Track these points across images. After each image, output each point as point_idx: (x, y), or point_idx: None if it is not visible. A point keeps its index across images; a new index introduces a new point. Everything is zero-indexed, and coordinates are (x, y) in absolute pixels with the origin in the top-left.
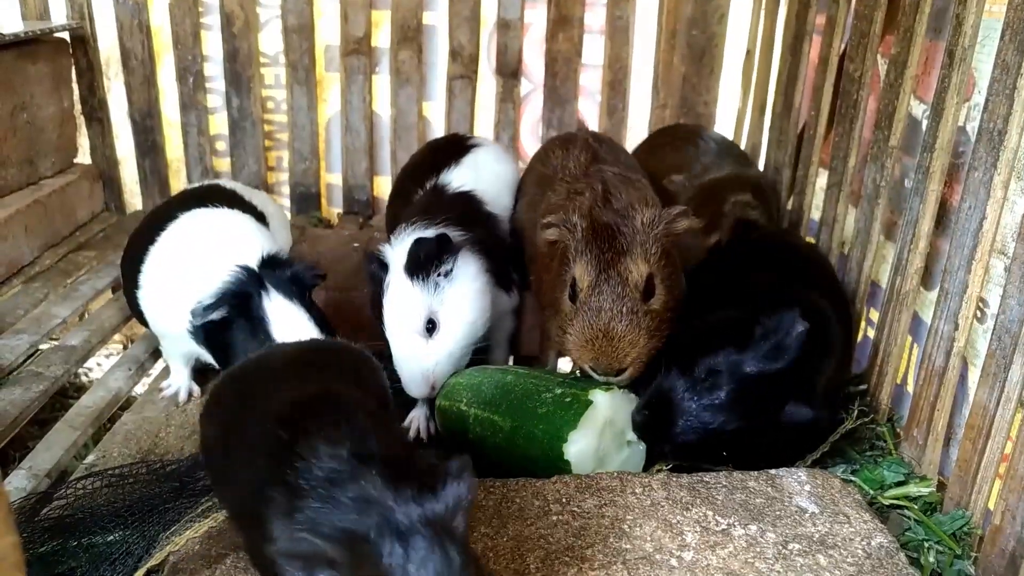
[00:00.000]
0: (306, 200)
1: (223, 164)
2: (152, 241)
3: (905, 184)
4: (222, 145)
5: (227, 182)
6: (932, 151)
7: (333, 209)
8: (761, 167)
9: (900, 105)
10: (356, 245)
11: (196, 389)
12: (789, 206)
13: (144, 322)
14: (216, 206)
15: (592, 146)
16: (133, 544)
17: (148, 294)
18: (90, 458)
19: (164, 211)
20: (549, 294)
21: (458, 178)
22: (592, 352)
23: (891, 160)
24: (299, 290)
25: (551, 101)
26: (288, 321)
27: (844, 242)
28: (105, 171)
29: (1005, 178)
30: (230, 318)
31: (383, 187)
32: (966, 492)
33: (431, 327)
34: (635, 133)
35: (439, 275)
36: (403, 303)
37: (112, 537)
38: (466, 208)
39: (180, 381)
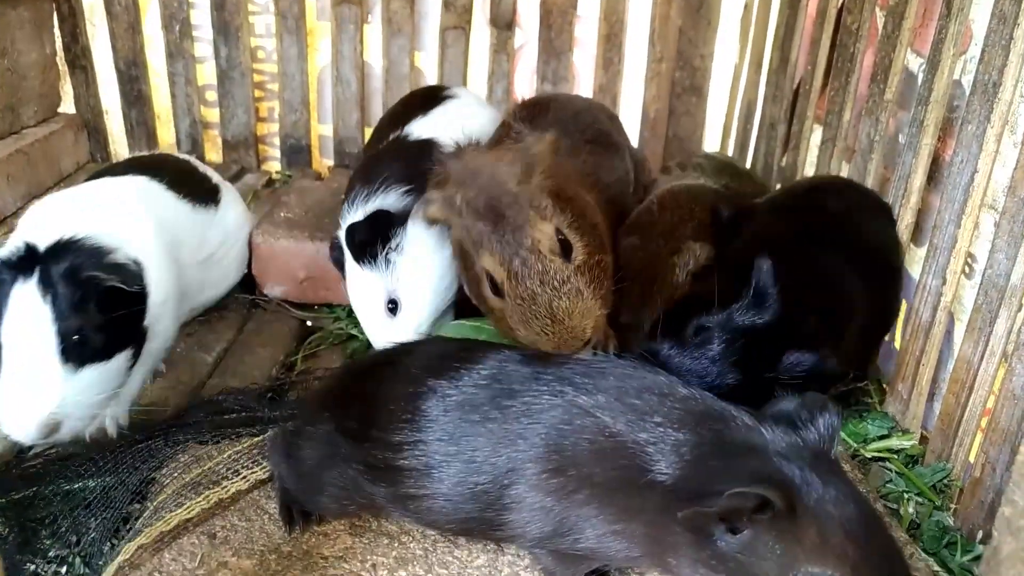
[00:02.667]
0: (296, 152)
1: (212, 115)
2: None
3: (899, 139)
4: (211, 95)
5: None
6: (927, 104)
7: (324, 161)
8: (756, 123)
9: (896, 58)
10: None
11: None
12: (783, 162)
13: None
14: (124, 174)
15: (508, 124)
16: (112, 491)
17: None
18: None
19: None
20: (473, 291)
21: (420, 128)
22: (550, 340)
23: (886, 114)
24: (74, 291)
25: (546, 53)
26: (20, 318)
27: None
28: (90, 121)
29: (998, 131)
30: None
31: None
32: (948, 445)
33: (393, 307)
34: (631, 87)
35: (389, 252)
36: (359, 291)
37: (90, 483)
38: (420, 157)
39: None
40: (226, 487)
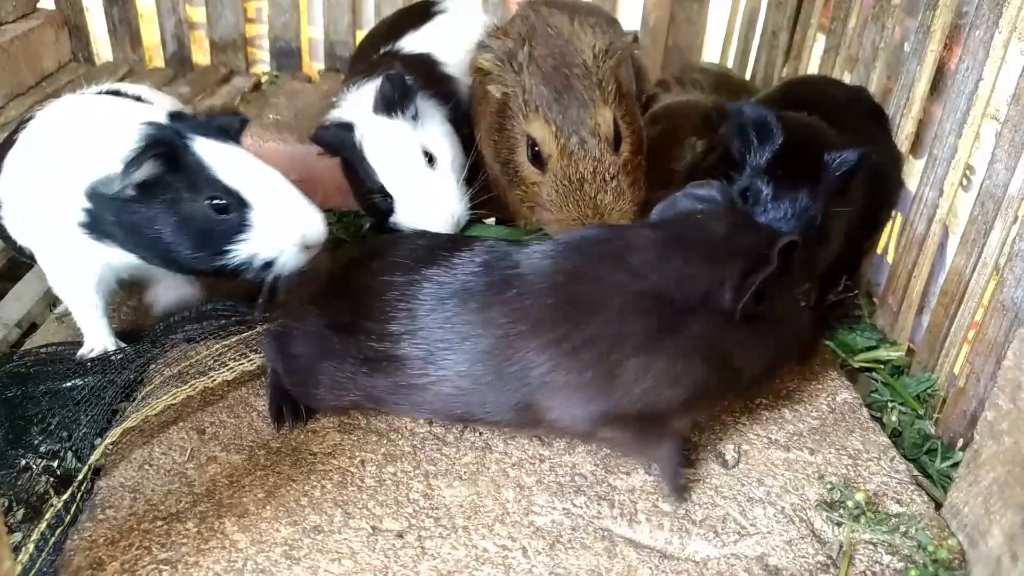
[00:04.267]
0: (286, 56)
1: (198, 15)
2: (9, 144)
3: (904, 48)
4: None
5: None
6: (935, 9)
7: (314, 65)
8: (758, 30)
9: None
10: (334, 100)
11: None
12: (784, 72)
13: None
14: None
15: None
16: (102, 389)
17: (12, 200)
18: (60, 308)
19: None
20: (501, 154)
21: (412, 43)
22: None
23: (892, 20)
24: (230, 139)
25: None
26: (233, 162)
27: None
28: (71, 18)
29: (1006, 37)
30: (156, 180)
31: None
32: (934, 357)
33: (430, 159)
34: None
35: (411, 114)
36: (397, 138)
37: (78, 382)
38: (418, 68)
39: (100, 339)
40: (212, 377)
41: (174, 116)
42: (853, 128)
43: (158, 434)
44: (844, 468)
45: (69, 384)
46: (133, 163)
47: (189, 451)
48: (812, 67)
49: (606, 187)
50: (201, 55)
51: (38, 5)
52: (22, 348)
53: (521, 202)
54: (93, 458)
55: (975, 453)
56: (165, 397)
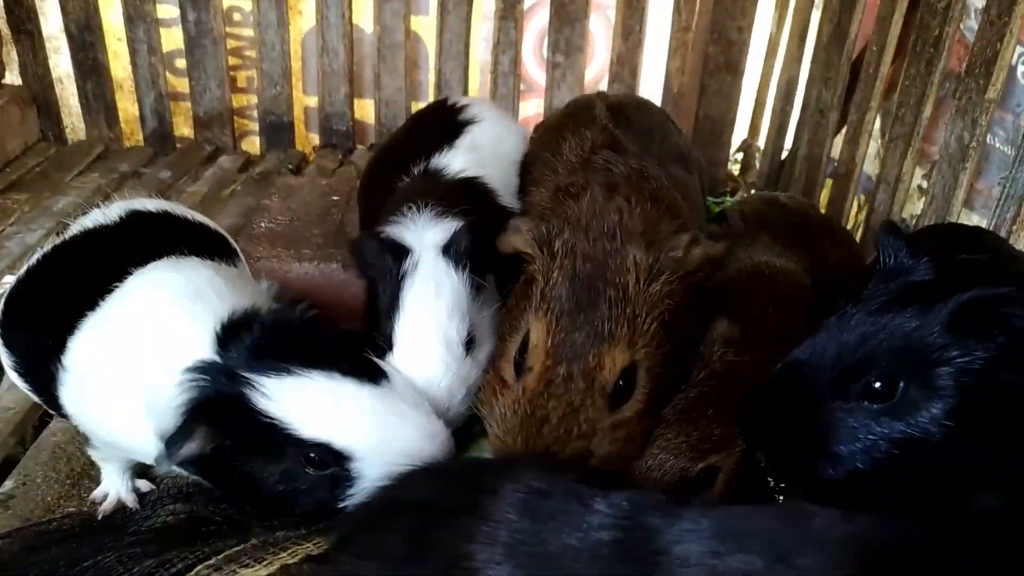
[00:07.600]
0: (277, 130)
1: (181, 84)
2: (91, 306)
3: (997, 147)
4: (180, 63)
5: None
6: None
7: (310, 135)
8: (797, 107)
9: (1004, 49)
10: (336, 199)
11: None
12: (838, 155)
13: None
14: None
15: (610, 132)
16: None
17: (80, 391)
18: (8, 484)
19: (104, 251)
20: (503, 325)
21: (456, 162)
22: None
23: (986, 116)
24: (296, 344)
25: (558, 19)
26: (312, 398)
27: (908, 210)
28: (39, 94)
29: None
30: (218, 449)
31: (366, 112)
32: None
33: (469, 342)
34: (652, 59)
35: (475, 282)
36: (453, 301)
37: None
38: (476, 201)
39: (115, 486)
40: None
41: (227, 330)
42: None
43: None
44: None
45: None
46: (174, 447)
47: None
48: (870, 154)
49: (569, 439)
50: (185, 127)
51: (3, 81)
52: None
53: (487, 387)
54: None
55: None
56: None
